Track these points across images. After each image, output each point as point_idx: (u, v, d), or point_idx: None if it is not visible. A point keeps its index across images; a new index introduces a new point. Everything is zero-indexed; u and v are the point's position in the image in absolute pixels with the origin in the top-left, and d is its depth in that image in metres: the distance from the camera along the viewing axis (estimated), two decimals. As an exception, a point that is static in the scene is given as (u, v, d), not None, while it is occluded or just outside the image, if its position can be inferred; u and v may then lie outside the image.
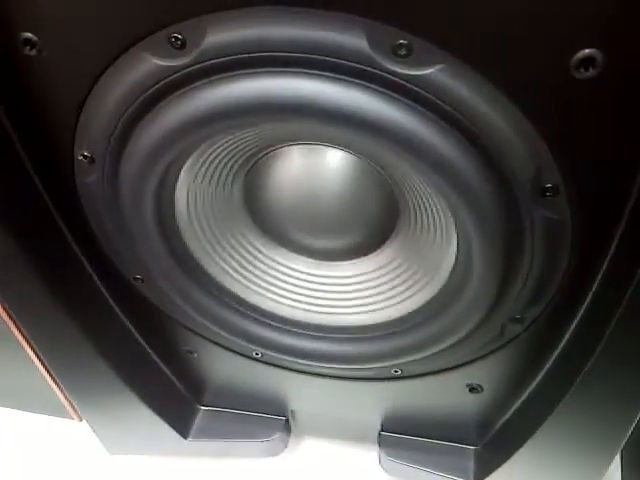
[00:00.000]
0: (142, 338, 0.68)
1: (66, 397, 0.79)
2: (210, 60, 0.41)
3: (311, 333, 0.60)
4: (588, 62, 0.36)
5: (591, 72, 0.36)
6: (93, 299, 0.62)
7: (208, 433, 0.75)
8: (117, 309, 0.64)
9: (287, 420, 0.76)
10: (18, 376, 0.78)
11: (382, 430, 0.73)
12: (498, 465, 0.64)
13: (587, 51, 0.35)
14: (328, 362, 0.61)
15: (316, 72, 0.40)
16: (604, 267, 0.46)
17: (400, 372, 0.63)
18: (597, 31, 0.35)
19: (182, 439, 0.74)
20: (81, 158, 0.50)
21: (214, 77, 0.41)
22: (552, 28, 0.35)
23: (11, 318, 0.66)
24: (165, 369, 0.72)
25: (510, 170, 0.42)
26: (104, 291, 0.62)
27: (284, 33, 0.39)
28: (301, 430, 0.80)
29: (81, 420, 0.84)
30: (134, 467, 0.80)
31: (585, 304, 0.50)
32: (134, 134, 0.46)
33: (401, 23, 0.37)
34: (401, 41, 0.37)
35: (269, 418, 0.76)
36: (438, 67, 0.38)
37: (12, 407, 0.88)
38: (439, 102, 0.39)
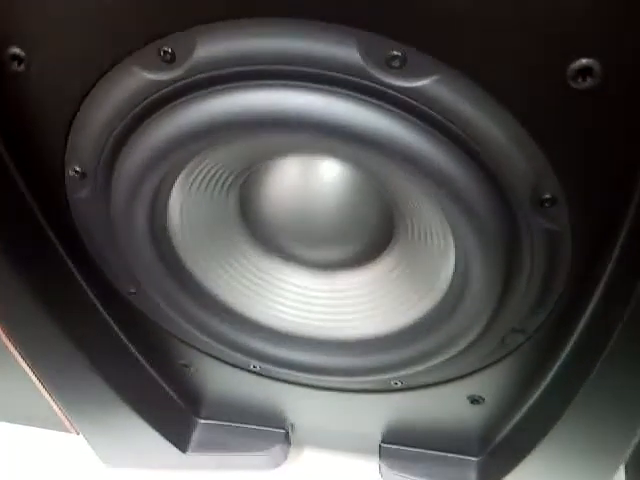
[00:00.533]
0: (137, 352, 0.67)
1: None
2: (200, 73, 0.40)
3: (308, 346, 0.59)
4: (585, 72, 0.35)
5: (589, 82, 0.35)
6: (87, 313, 0.61)
7: (207, 446, 0.74)
8: (111, 323, 0.63)
9: (287, 432, 0.75)
10: (15, 390, 0.77)
11: (382, 441, 0.73)
12: (501, 476, 0.63)
13: (584, 61, 0.35)
14: (326, 375, 0.60)
15: (308, 84, 0.39)
16: (606, 276, 0.46)
17: (400, 384, 0.62)
18: (594, 40, 0.34)
19: (180, 453, 0.73)
20: (72, 173, 0.49)
21: (205, 91, 0.41)
22: (548, 37, 0.34)
23: (4, 332, 0.65)
24: (162, 383, 0.71)
25: (508, 181, 0.41)
26: (98, 305, 0.61)
27: (275, 45, 0.39)
28: (301, 442, 0.79)
29: (79, 433, 0.83)
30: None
31: (587, 313, 0.49)
32: (125, 149, 0.45)
33: (394, 33, 0.36)
34: (394, 52, 0.37)
35: (268, 430, 0.75)
36: (433, 78, 0.37)
37: (10, 421, 0.87)
38: (434, 114, 0.38)
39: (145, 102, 0.42)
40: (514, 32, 0.35)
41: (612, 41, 0.34)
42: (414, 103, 0.38)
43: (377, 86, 0.38)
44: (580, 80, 0.35)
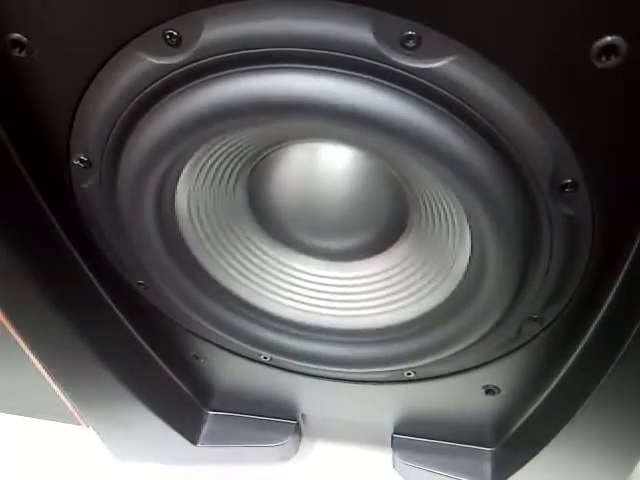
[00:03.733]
0: (147, 344, 0.66)
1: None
2: (208, 57, 0.39)
3: (321, 336, 0.58)
4: (610, 50, 0.33)
5: (613, 61, 0.34)
6: (96, 307, 0.60)
7: (217, 439, 0.74)
8: (121, 315, 0.63)
9: (298, 424, 0.74)
10: (26, 383, 0.76)
11: (395, 433, 0.72)
12: (516, 468, 0.62)
13: (609, 38, 0.33)
14: (338, 366, 0.59)
15: (320, 67, 0.38)
16: (627, 264, 0.44)
17: (413, 375, 0.61)
18: (619, 17, 0.33)
19: (191, 445, 0.72)
20: (77, 162, 0.48)
21: (213, 75, 0.39)
22: (571, 14, 0.33)
23: (13, 327, 0.64)
24: (171, 375, 0.70)
25: (527, 165, 0.40)
26: (107, 298, 0.61)
27: (285, 27, 0.37)
28: (312, 433, 0.78)
29: (89, 426, 0.82)
30: (145, 473, 0.79)
31: (608, 302, 0.47)
32: (131, 136, 0.44)
33: (408, 12, 0.35)
34: (409, 32, 0.35)
35: (280, 422, 0.74)
36: (450, 59, 0.36)
37: (21, 414, 0.87)
38: (451, 96, 0.37)
39: (151, 88, 0.41)
40: (535, 9, 0.33)
41: (637, 18, 0.32)
42: (430, 85, 0.37)
43: (391, 68, 0.37)
44: (604, 58, 0.34)
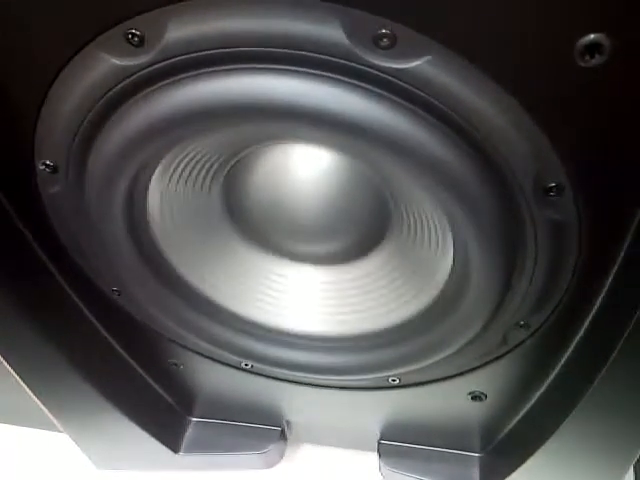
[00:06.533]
0: (125, 352, 0.64)
1: (52, 411, 0.75)
2: (173, 58, 0.37)
3: (301, 343, 0.56)
4: (594, 48, 0.32)
5: (597, 59, 0.32)
6: (70, 314, 0.59)
7: (200, 446, 0.72)
8: (96, 323, 0.61)
9: (282, 430, 0.73)
10: (6, 391, 0.75)
11: (381, 439, 0.70)
12: (506, 474, 0.60)
13: (593, 36, 0.31)
14: (320, 373, 0.57)
15: (291, 68, 0.36)
16: (614, 269, 0.43)
17: (398, 381, 0.59)
18: (603, 14, 0.31)
19: (172, 453, 0.71)
20: (43, 167, 0.46)
21: (178, 76, 0.38)
22: (553, 11, 0.31)
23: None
24: (151, 382, 0.68)
25: (509, 169, 0.38)
26: (82, 306, 0.59)
27: (253, 26, 0.35)
28: (298, 439, 0.77)
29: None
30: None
31: (595, 308, 0.46)
32: (97, 140, 0.42)
33: (382, 10, 0.33)
34: (383, 30, 0.34)
35: (264, 429, 0.73)
36: (425, 59, 0.34)
37: (2, 422, 0.85)
38: (427, 97, 0.35)
39: (115, 90, 0.39)
40: (516, 5, 0.31)
41: (623, 14, 0.31)
42: (405, 86, 0.35)
43: (365, 68, 0.35)
44: (588, 57, 0.32)
